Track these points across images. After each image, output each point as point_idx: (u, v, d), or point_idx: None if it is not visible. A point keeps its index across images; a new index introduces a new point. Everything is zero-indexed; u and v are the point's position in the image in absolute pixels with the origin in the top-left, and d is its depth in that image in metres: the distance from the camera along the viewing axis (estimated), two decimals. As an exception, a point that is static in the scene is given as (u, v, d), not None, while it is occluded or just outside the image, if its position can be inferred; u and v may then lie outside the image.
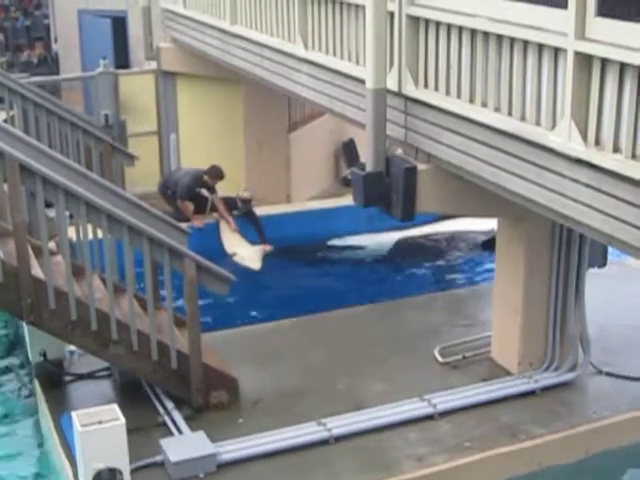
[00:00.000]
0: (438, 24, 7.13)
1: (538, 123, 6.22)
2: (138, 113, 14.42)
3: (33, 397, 9.30)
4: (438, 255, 13.73)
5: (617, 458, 8.33)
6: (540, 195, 6.25)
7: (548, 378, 8.80)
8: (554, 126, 6.03)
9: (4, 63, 20.54)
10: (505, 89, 6.47)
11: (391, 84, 7.53)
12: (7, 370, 10.33)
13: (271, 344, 9.78)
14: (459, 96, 7.03)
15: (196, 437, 7.77)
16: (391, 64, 7.58)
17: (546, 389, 8.74)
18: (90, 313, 7.89)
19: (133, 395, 8.49)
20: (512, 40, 6.32)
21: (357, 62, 8.37)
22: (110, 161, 10.76)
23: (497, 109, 6.61)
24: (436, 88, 7.31)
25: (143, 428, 7.93)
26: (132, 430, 7.26)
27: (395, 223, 9.46)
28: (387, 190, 7.61)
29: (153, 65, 14.77)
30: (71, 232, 8.24)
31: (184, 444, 7.68)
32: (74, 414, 7.09)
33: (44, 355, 8.81)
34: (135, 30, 16.93)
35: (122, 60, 17.48)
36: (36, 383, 8.96)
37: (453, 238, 14.11)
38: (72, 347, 8.82)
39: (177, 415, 8.17)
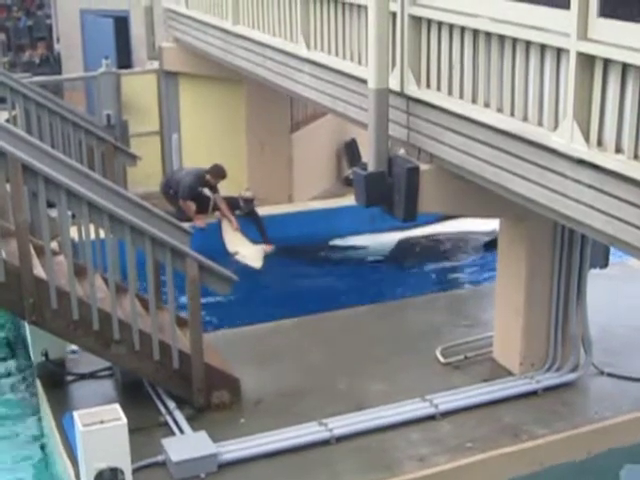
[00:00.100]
0: (440, 24, 7.12)
1: (540, 123, 6.21)
2: (140, 113, 14.41)
3: (35, 397, 9.30)
4: (440, 255, 13.72)
5: (619, 458, 8.33)
6: (542, 196, 6.24)
7: (550, 379, 8.80)
8: (556, 127, 6.01)
9: (6, 63, 20.55)
10: (507, 89, 6.47)
11: (393, 84, 7.52)
12: (9, 370, 10.33)
13: (272, 344, 9.78)
14: (461, 96, 7.02)
15: (198, 437, 7.77)
16: (393, 64, 7.57)
17: (548, 389, 8.73)
18: (92, 313, 7.90)
19: (135, 395, 8.48)
20: (514, 40, 6.31)
21: (359, 62, 8.37)
22: (112, 161, 10.74)
23: (499, 109, 6.60)
24: (438, 88, 7.31)
25: (145, 428, 7.92)
26: (134, 430, 7.27)
27: (397, 223, 9.45)
28: (389, 190, 7.60)
29: (155, 65, 14.77)
30: (73, 232, 8.25)
31: (186, 444, 7.68)
32: (76, 414, 7.10)
33: (46, 355, 8.81)
34: (137, 30, 16.94)
35: (124, 60, 17.49)
36: (38, 383, 8.96)
37: (455, 239, 14.09)
38: (74, 347, 8.83)
39: (179, 415, 8.17)
